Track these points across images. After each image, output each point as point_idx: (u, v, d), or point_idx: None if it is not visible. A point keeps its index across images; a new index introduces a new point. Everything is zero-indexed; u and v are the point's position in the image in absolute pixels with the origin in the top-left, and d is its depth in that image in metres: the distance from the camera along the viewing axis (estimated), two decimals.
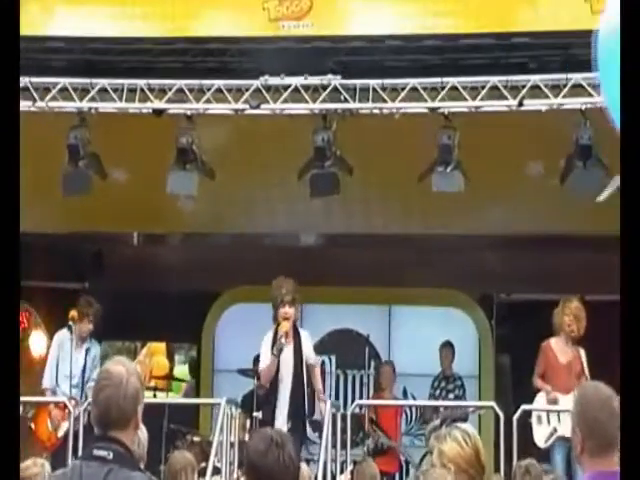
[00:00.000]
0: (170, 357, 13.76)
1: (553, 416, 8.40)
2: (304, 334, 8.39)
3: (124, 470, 3.22)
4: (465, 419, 10.10)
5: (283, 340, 8.03)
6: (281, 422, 8.04)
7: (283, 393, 8.16)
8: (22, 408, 10.75)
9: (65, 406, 8.98)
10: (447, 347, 10.85)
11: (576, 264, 9.92)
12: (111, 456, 3.23)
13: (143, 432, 4.54)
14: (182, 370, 13.83)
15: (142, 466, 4.47)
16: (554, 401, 8.40)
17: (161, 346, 13.69)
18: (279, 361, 8.11)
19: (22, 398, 10.69)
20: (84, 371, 9.24)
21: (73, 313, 9.37)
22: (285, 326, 8.06)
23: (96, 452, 3.27)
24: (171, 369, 13.61)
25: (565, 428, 8.14)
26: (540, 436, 8.40)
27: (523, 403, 8.35)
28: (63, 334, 9.46)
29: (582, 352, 8.41)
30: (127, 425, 3.29)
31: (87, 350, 9.37)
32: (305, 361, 8.23)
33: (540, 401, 8.55)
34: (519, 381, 10.40)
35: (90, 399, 8.25)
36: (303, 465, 6.96)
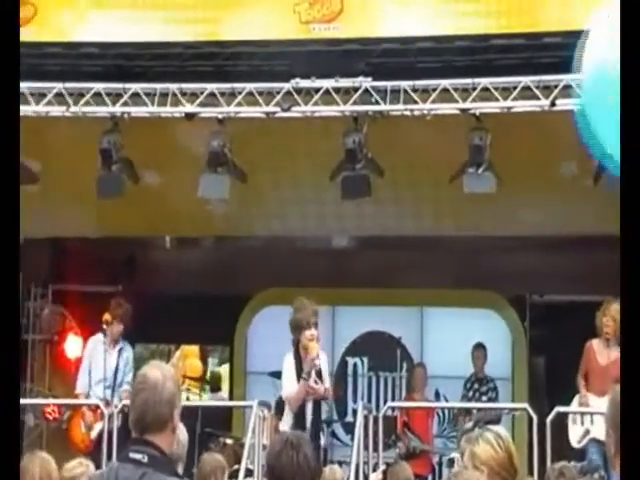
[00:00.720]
0: (203, 360, 13.82)
1: (586, 418, 8.36)
2: (323, 357, 8.18)
3: (158, 474, 3.22)
4: (498, 421, 10.04)
5: (317, 362, 7.84)
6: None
7: (308, 419, 8.08)
8: (57, 411, 10.90)
9: (97, 408, 9.04)
10: (479, 349, 10.78)
11: (609, 264, 9.82)
12: (146, 459, 3.24)
13: (183, 433, 4.55)
14: (216, 373, 13.89)
15: (181, 466, 4.48)
16: (586, 404, 8.36)
17: (194, 349, 13.75)
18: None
19: (56, 400, 10.90)
20: (116, 372, 9.31)
21: (107, 316, 9.46)
22: (316, 348, 7.87)
23: (132, 455, 3.28)
24: (204, 372, 13.67)
25: (598, 430, 8.10)
26: (574, 436, 8.36)
27: (557, 405, 8.28)
28: (96, 338, 9.55)
29: None
30: (163, 429, 3.29)
31: (119, 351, 9.44)
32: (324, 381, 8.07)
33: (575, 403, 8.52)
34: (553, 383, 10.32)
35: (123, 401, 8.36)
36: (336, 467, 6.96)
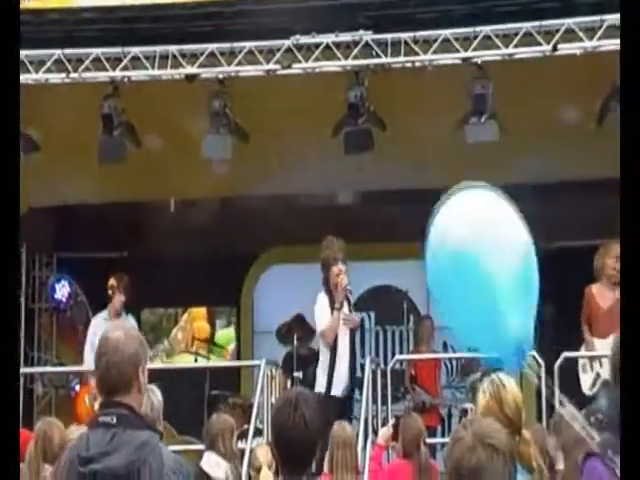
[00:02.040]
0: (211, 322, 13.89)
1: (595, 363, 8.43)
2: (350, 297, 8.48)
3: (128, 431, 3.25)
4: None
5: (349, 288, 8.15)
6: (340, 382, 8.13)
7: (343, 352, 8.24)
8: (65, 378, 11.00)
9: None
10: None
11: (615, 208, 9.87)
12: (114, 420, 3.27)
13: (157, 396, 4.58)
14: (224, 334, 13.96)
15: (160, 427, 4.44)
16: (592, 349, 8.45)
17: (202, 311, 13.81)
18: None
19: (62, 369, 10.98)
20: None
21: (112, 282, 9.53)
22: (345, 279, 8.15)
23: (101, 418, 3.32)
24: (212, 334, 13.74)
25: (606, 371, 8.20)
26: (586, 384, 8.44)
27: (566, 351, 8.39)
28: (100, 315, 9.64)
29: None
30: (129, 388, 3.31)
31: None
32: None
33: (583, 350, 8.60)
34: (561, 329, 10.42)
35: None
36: (345, 423, 7.05)
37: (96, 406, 9.19)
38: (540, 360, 8.29)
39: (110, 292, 9.53)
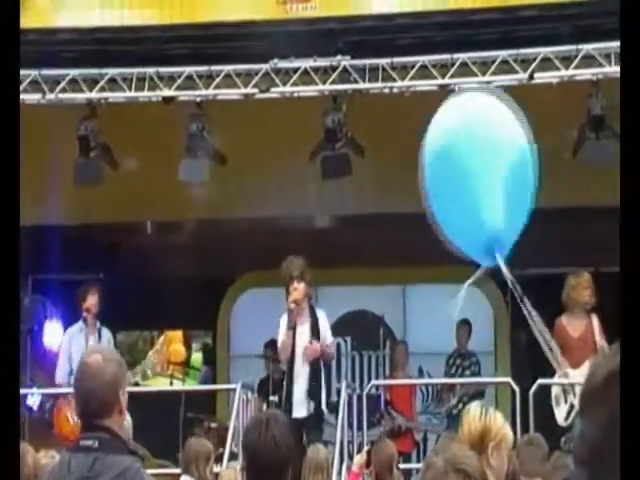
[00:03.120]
0: (187, 345, 13.80)
1: (569, 394, 8.42)
2: (321, 314, 8.39)
3: (110, 456, 3.23)
4: (482, 395, 10.13)
5: (292, 306, 8.01)
6: (298, 403, 8.07)
7: (301, 372, 8.17)
8: (39, 400, 10.85)
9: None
10: (464, 325, 10.83)
11: (591, 236, 9.90)
12: (96, 444, 3.24)
13: (127, 419, 4.53)
14: (198, 358, 13.88)
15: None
16: (565, 376, 8.44)
17: (178, 334, 13.73)
18: (295, 338, 8.12)
19: (38, 390, 10.86)
20: None
21: (88, 304, 9.38)
22: (294, 295, 8.04)
23: (82, 442, 3.29)
24: (188, 357, 13.65)
25: None
26: (560, 415, 8.42)
27: (541, 378, 8.36)
28: (75, 327, 9.48)
29: (595, 320, 8.39)
30: (111, 412, 3.30)
31: (99, 332, 9.33)
32: (322, 341, 8.22)
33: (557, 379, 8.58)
34: (536, 356, 10.40)
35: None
36: (320, 447, 7.00)
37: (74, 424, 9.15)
38: (515, 387, 8.30)
39: (82, 297, 9.30)
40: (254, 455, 3.45)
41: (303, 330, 8.18)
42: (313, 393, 8.11)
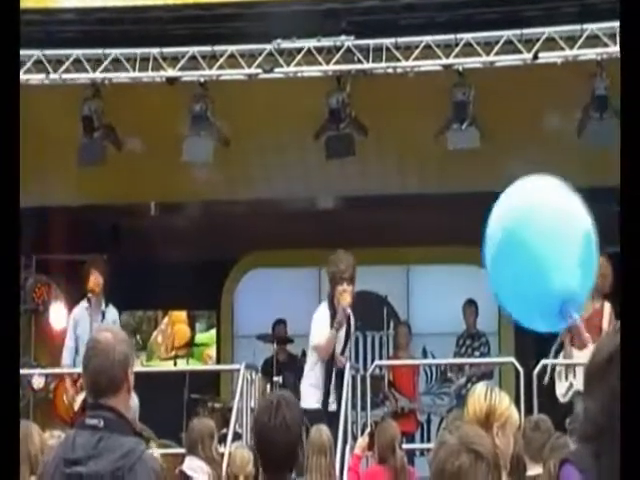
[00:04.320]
0: (191, 325, 13.85)
1: (570, 371, 8.45)
2: (352, 320, 8.17)
3: (115, 436, 3.27)
4: (490, 376, 10.16)
5: (348, 311, 7.84)
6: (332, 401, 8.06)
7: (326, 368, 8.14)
8: (44, 380, 10.89)
9: (79, 378, 9.02)
10: (470, 305, 10.84)
11: (596, 216, 9.91)
12: (102, 424, 3.28)
13: (134, 399, 4.57)
14: (203, 337, 13.93)
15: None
16: (569, 356, 8.47)
17: (182, 314, 13.78)
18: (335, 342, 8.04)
19: (40, 371, 10.89)
20: None
21: (91, 284, 9.37)
22: (348, 299, 7.85)
23: (88, 421, 3.32)
24: (192, 337, 13.70)
25: (580, 382, 8.21)
26: (560, 391, 8.47)
27: (544, 358, 8.39)
28: (80, 307, 9.49)
29: (607, 306, 8.40)
30: (118, 391, 3.33)
31: (103, 314, 9.33)
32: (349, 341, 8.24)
33: (561, 358, 8.61)
34: (540, 337, 10.42)
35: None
36: (323, 427, 7.01)
37: (75, 405, 9.21)
38: (519, 367, 8.33)
39: (85, 277, 9.28)
40: (265, 437, 3.47)
41: (341, 333, 8.08)
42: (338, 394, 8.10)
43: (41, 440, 5.30)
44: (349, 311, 7.87)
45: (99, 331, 3.47)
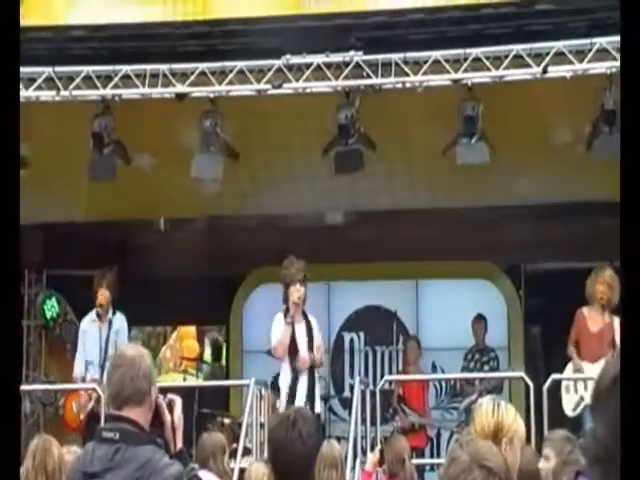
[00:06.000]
0: (200, 340, 13.82)
1: (580, 385, 8.42)
2: (312, 319, 8.64)
3: (131, 448, 3.28)
4: (500, 390, 10.13)
5: (298, 302, 8.30)
6: (300, 401, 8.16)
7: (303, 372, 8.29)
8: (54, 396, 10.90)
9: (94, 390, 9.07)
10: (480, 320, 10.83)
11: (605, 231, 9.87)
12: (117, 436, 3.30)
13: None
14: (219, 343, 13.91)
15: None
16: (578, 370, 8.43)
17: (191, 330, 13.76)
18: (294, 336, 8.25)
19: (51, 387, 10.89)
20: (107, 346, 9.24)
21: (100, 299, 9.42)
22: (296, 294, 8.33)
23: (104, 434, 3.35)
24: (201, 352, 13.67)
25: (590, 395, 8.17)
26: (568, 405, 8.42)
27: (554, 373, 8.36)
28: (88, 318, 9.54)
29: (617, 320, 8.38)
30: (141, 402, 3.35)
31: (109, 324, 9.37)
32: (316, 344, 8.49)
33: (569, 370, 8.58)
34: (549, 351, 10.39)
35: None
36: (334, 442, 7.00)
37: (82, 414, 9.23)
38: (529, 382, 8.31)
39: (95, 292, 9.39)
40: (281, 451, 3.48)
41: (300, 330, 8.38)
42: (310, 395, 8.24)
43: (59, 455, 5.30)
44: (299, 302, 8.36)
45: (126, 348, 3.55)
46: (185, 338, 13.76)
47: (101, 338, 9.31)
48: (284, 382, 8.45)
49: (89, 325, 9.45)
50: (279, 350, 8.32)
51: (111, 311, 9.40)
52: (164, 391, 3.54)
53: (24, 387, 10.79)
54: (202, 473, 6.80)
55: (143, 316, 11.79)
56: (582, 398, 8.32)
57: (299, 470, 3.46)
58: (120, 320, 9.39)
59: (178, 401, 3.47)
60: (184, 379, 12.20)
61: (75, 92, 8.27)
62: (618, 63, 7.50)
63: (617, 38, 7.43)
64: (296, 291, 8.30)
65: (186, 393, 10.79)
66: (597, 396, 1.31)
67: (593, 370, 8.24)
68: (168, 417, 3.41)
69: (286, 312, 8.36)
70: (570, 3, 7.64)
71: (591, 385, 8.15)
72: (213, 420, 10.10)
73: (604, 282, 8.34)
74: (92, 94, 8.33)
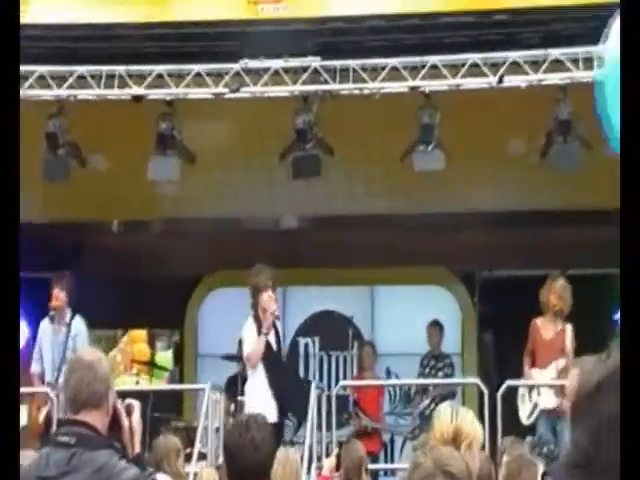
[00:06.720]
0: (151, 344, 13.77)
1: (534, 393, 8.57)
2: (279, 327, 8.66)
3: (88, 452, 3.27)
4: (454, 396, 10.25)
5: (276, 314, 8.30)
6: (269, 405, 8.15)
7: (266, 376, 8.31)
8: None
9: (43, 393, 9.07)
10: (435, 326, 10.93)
11: (557, 239, 10.07)
12: (73, 441, 3.29)
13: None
14: (164, 357, 13.85)
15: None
16: (528, 378, 8.61)
17: (142, 333, 13.69)
18: (268, 346, 8.27)
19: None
20: (64, 351, 9.21)
21: (54, 303, 9.40)
22: (274, 305, 8.30)
23: (60, 438, 3.34)
24: (152, 355, 13.62)
25: (545, 400, 8.35)
26: (524, 413, 8.57)
27: (508, 379, 8.49)
28: (42, 326, 9.50)
29: (569, 328, 8.56)
30: (98, 406, 3.35)
31: (67, 327, 9.35)
32: (282, 349, 8.62)
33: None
34: (502, 358, 10.53)
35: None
36: (290, 449, 7.07)
37: (40, 418, 9.17)
38: (484, 388, 8.43)
39: (56, 305, 9.37)
40: (234, 457, 3.51)
41: (271, 339, 8.38)
42: (280, 397, 8.27)
43: None
44: (277, 313, 8.37)
45: (83, 351, 3.52)
46: (136, 342, 13.70)
47: (57, 341, 9.28)
48: (253, 389, 8.40)
49: (45, 327, 9.42)
50: (252, 360, 8.30)
51: (69, 314, 9.37)
52: (121, 395, 3.57)
53: None
54: (158, 476, 6.84)
55: (95, 319, 11.72)
56: (536, 405, 8.47)
57: (254, 475, 3.50)
58: (79, 323, 9.37)
59: (137, 405, 3.49)
60: (137, 382, 12.14)
61: (29, 92, 8.24)
62: (572, 74, 7.66)
63: (572, 50, 7.60)
64: (271, 300, 8.26)
65: (139, 397, 10.76)
66: (578, 403, 1.35)
67: (544, 376, 8.43)
68: (126, 421, 3.42)
69: (256, 319, 8.30)
70: None
71: (544, 391, 8.33)
72: (167, 424, 10.09)
73: (556, 292, 8.52)
74: (46, 94, 8.31)
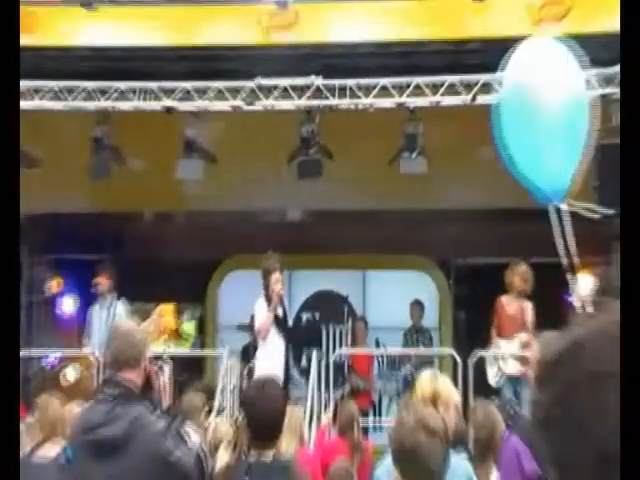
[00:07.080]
0: (178, 316, 13.83)
1: (499, 360, 8.63)
2: (286, 305, 8.67)
3: (125, 406, 3.31)
4: (432, 365, 10.33)
5: (282, 293, 8.28)
6: (277, 370, 8.22)
7: (277, 344, 8.36)
8: (54, 361, 10.89)
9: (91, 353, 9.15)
10: (416, 305, 11.03)
11: (519, 232, 10.10)
12: (114, 395, 3.33)
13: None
14: (189, 327, 13.92)
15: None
16: (496, 347, 8.67)
17: (170, 307, 13.75)
18: (276, 320, 8.32)
19: (51, 350, 10.87)
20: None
21: (98, 279, 9.49)
22: (280, 285, 8.29)
23: (103, 394, 3.39)
24: (179, 326, 13.68)
25: (508, 368, 8.42)
26: (491, 376, 8.64)
27: (478, 349, 8.56)
28: (93, 308, 9.61)
29: (529, 305, 8.61)
30: (136, 366, 3.38)
31: (108, 309, 9.44)
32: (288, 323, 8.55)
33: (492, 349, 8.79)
34: (474, 331, 10.60)
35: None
36: (295, 406, 7.13)
37: (62, 380, 9.26)
38: (457, 358, 8.49)
39: (100, 281, 9.44)
40: (252, 411, 3.52)
41: (280, 312, 8.40)
42: (286, 363, 8.33)
43: (60, 410, 5.24)
44: (282, 293, 8.34)
45: (122, 321, 3.55)
46: (166, 314, 13.77)
47: (103, 320, 9.38)
48: (262, 356, 8.46)
49: (95, 309, 9.53)
50: (262, 332, 8.32)
51: (115, 299, 9.48)
52: (153, 359, 3.60)
53: (26, 353, 10.78)
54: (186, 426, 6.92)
55: (131, 294, 11.79)
56: (499, 369, 8.53)
57: (269, 428, 3.51)
58: (119, 308, 9.46)
59: (167, 368, 3.54)
60: (166, 348, 12.19)
61: (77, 103, 8.30)
62: None
63: None
64: (279, 282, 8.24)
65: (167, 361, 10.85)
66: (540, 374, 1.34)
67: (509, 346, 8.50)
68: (158, 381, 3.46)
69: (266, 298, 8.32)
70: None
71: (509, 360, 8.41)
72: (191, 385, 10.14)
73: (519, 275, 8.56)
74: (91, 105, 8.37)
